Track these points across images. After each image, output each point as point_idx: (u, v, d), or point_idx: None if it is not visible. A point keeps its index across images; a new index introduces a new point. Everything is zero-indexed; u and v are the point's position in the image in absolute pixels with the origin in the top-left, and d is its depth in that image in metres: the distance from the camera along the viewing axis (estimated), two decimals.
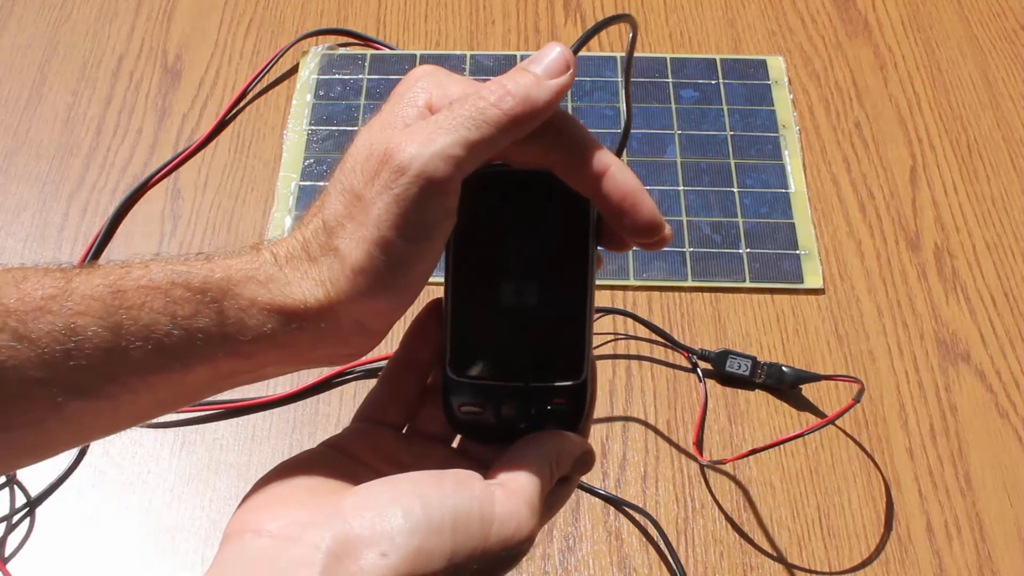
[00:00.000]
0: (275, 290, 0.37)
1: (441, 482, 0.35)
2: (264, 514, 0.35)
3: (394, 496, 0.34)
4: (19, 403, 0.35)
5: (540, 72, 0.37)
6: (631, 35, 0.43)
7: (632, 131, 0.84)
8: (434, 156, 0.35)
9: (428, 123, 0.36)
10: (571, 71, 0.37)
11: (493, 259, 0.40)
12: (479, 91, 0.36)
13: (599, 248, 0.41)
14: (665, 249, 0.78)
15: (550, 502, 0.39)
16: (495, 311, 0.40)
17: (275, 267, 0.37)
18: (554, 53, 0.37)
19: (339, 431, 0.41)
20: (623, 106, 0.86)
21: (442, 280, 0.40)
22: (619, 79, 0.88)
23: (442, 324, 0.40)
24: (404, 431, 0.42)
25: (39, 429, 0.36)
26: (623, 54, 0.90)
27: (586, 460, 0.40)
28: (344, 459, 0.38)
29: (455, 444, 0.42)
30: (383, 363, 0.72)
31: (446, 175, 0.35)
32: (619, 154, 0.49)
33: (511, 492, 0.36)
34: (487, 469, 0.38)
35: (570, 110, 0.85)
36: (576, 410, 0.40)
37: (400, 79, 0.39)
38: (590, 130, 0.39)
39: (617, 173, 0.38)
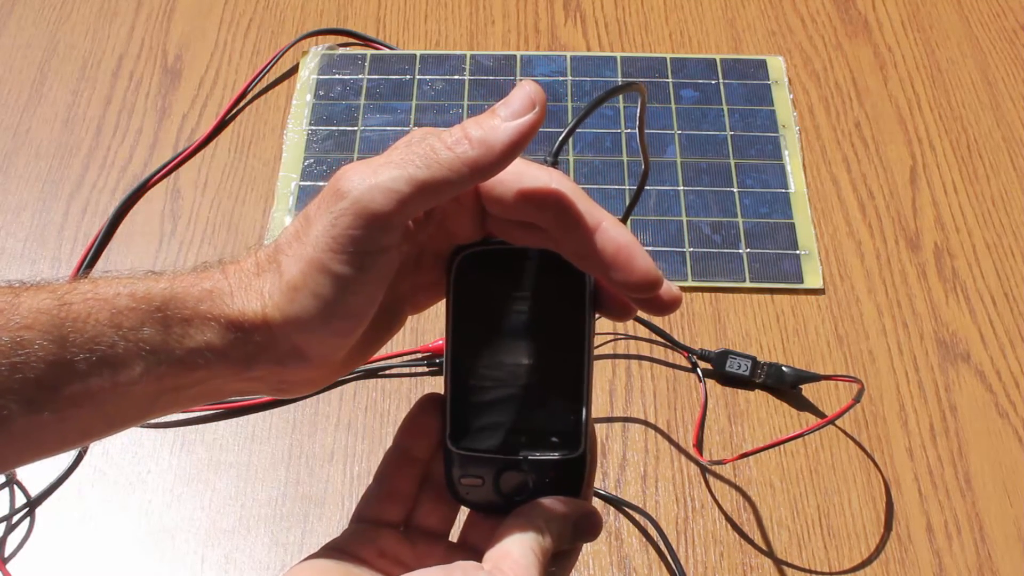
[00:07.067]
0: (217, 299, 0.37)
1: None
2: None
3: None
4: None
5: (505, 114, 0.36)
6: (640, 102, 0.43)
7: (631, 132, 0.84)
8: (373, 187, 0.35)
9: (381, 156, 0.36)
10: (536, 109, 0.36)
11: (492, 333, 0.40)
12: (439, 132, 0.36)
13: (605, 318, 0.41)
14: (665, 249, 0.78)
15: (559, 570, 0.39)
16: (494, 384, 0.40)
17: (222, 279, 0.38)
18: (520, 92, 0.36)
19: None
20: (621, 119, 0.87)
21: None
22: (619, 80, 0.88)
23: (443, 394, 0.40)
24: (404, 527, 0.41)
25: None
26: (623, 54, 0.90)
27: (588, 523, 0.40)
28: (350, 562, 0.38)
29: (456, 538, 0.42)
30: (383, 363, 0.72)
31: (383, 208, 0.35)
32: (632, 206, 0.49)
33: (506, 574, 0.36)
34: None
35: (569, 109, 0.85)
36: (574, 482, 0.40)
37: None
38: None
39: (610, 228, 0.37)
